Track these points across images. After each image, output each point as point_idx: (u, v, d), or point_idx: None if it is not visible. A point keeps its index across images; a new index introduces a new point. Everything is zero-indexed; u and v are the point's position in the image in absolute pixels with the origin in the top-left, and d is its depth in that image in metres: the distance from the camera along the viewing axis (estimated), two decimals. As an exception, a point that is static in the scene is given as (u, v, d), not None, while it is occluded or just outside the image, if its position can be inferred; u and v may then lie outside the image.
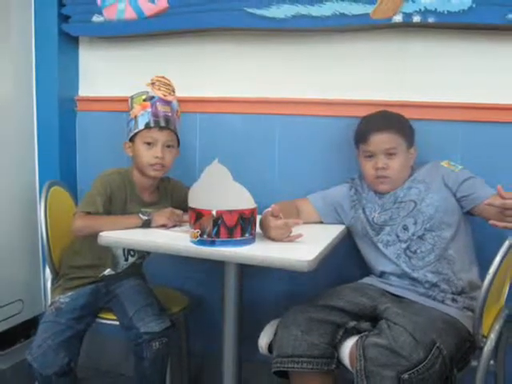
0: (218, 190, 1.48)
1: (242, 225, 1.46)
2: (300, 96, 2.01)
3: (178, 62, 2.12)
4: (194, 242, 1.48)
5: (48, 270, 1.93)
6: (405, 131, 1.74)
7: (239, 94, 2.08)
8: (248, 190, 1.48)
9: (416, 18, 1.77)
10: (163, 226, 1.68)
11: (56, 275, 1.92)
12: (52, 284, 1.91)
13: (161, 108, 1.77)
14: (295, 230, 1.55)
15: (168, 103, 1.79)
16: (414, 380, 1.35)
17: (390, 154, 1.71)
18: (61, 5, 2.17)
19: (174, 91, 1.82)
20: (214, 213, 1.44)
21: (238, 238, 1.46)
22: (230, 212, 1.44)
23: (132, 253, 1.88)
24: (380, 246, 1.72)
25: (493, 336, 1.51)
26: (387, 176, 1.72)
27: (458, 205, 1.68)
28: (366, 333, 1.48)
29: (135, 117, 1.78)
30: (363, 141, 1.74)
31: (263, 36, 2.00)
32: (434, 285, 1.63)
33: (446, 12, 1.73)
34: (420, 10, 1.76)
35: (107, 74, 2.26)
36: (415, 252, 1.66)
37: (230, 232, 1.45)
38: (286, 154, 2.05)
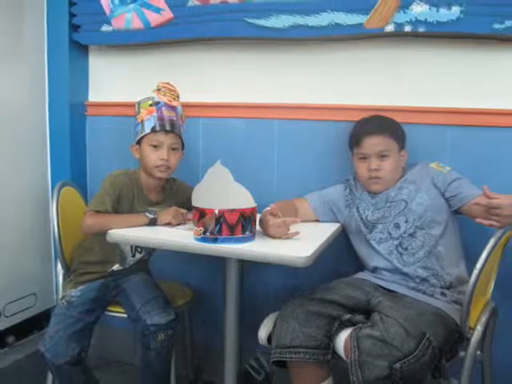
0: (220, 190, 1.48)
1: (243, 223, 1.46)
2: (298, 101, 2.00)
3: (183, 69, 2.12)
4: (198, 239, 1.48)
5: (60, 266, 1.93)
6: (396, 134, 1.73)
7: (240, 100, 2.07)
8: (248, 190, 1.48)
9: (407, 28, 1.77)
10: (168, 224, 1.68)
11: (67, 270, 1.92)
12: (63, 279, 1.91)
13: (166, 113, 1.77)
14: (293, 228, 1.55)
15: (173, 108, 1.79)
16: (405, 369, 1.34)
17: (382, 156, 1.70)
18: (72, 15, 2.17)
19: (178, 97, 1.82)
20: (216, 212, 1.44)
21: (239, 236, 1.46)
22: (232, 211, 1.44)
23: (139, 249, 1.88)
24: (373, 243, 1.72)
25: (479, 328, 1.51)
26: (380, 177, 1.72)
27: (447, 204, 1.67)
28: (359, 325, 1.48)
29: (142, 121, 1.77)
30: (357, 143, 1.74)
31: (263, 45, 2.00)
32: (424, 279, 1.63)
33: (435, 22, 1.73)
34: (411, 20, 1.75)
35: (115, 81, 2.26)
36: (406, 249, 1.66)
37: (232, 230, 1.45)
38: (285, 156, 2.05)
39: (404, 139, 1.76)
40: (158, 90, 1.79)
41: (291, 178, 2.03)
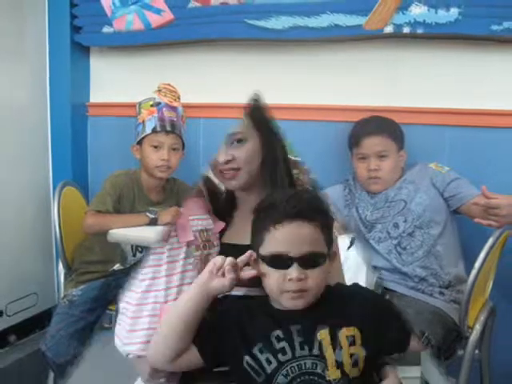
0: (221, 190, 1.47)
1: (243, 223, 1.45)
2: (297, 102, 2.01)
3: (183, 70, 2.12)
4: (198, 239, 1.48)
5: (61, 265, 1.93)
6: (395, 135, 1.74)
7: (240, 100, 2.06)
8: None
9: (406, 29, 1.77)
10: (169, 224, 1.68)
11: (68, 270, 1.92)
12: (65, 278, 1.91)
13: (167, 113, 1.77)
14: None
15: (173, 109, 1.79)
16: (404, 368, 1.35)
17: (381, 157, 1.71)
18: (73, 17, 2.17)
19: (179, 98, 1.82)
20: (216, 211, 1.43)
21: (239, 235, 1.46)
22: (232, 211, 1.44)
23: (140, 249, 1.87)
24: (372, 242, 1.72)
25: (478, 327, 1.52)
26: (379, 177, 1.72)
27: (445, 204, 1.68)
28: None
29: (143, 121, 1.78)
30: (356, 144, 1.74)
31: (263, 46, 2.00)
32: (423, 279, 1.63)
33: (433, 23, 1.73)
34: (409, 21, 1.76)
35: (117, 81, 2.26)
36: (405, 248, 1.66)
37: (232, 229, 1.44)
38: (284, 157, 2.04)
39: (403, 140, 1.76)
40: (159, 90, 1.79)
41: (291, 178, 2.03)
